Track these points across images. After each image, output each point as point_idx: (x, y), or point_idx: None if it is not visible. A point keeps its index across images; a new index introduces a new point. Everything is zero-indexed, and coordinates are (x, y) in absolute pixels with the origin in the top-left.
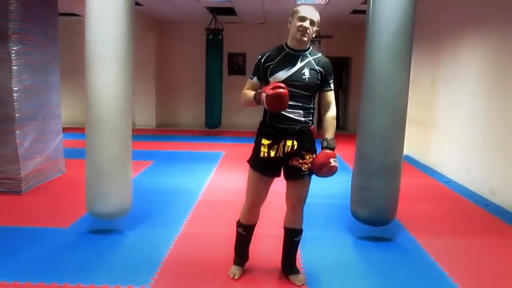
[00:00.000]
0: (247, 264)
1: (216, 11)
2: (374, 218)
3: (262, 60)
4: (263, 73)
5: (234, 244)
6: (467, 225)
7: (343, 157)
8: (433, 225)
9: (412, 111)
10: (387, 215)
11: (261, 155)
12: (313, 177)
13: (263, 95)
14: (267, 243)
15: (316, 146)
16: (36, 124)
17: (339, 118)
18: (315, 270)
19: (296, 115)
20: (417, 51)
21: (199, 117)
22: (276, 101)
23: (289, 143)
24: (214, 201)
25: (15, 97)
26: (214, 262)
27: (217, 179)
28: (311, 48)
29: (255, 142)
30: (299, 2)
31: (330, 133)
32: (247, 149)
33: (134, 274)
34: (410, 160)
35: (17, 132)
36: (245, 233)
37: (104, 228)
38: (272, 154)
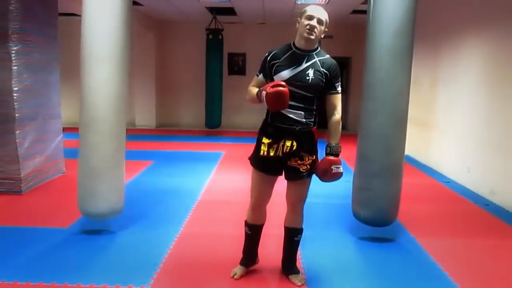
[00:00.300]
0: None
1: (216, 11)
2: (376, 219)
3: (268, 58)
4: (268, 71)
5: (243, 244)
6: (467, 225)
7: (343, 157)
8: (433, 225)
9: (412, 111)
10: (389, 216)
11: (261, 153)
12: (314, 177)
13: (264, 93)
14: (267, 243)
15: (319, 147)
16: (36, 124)
17: None
18: (315, 270)
19: (297, 115)
20: (417, 51)
21: (199, 117)
22: (275, 99)
23: (288, 143)
24: (214, 201)
25: (15, 97)
26: (214, 262)
27: (217, 179)
28: (319, 48)
29: (256, 140)
30: (299, 2)
31: (334, 139)
32: (247, 149)
33: (134, 274)
34: (410, 160)
35: (17, 132)
36: (250, 232)
37: (104, 228)
38: (272, 153)
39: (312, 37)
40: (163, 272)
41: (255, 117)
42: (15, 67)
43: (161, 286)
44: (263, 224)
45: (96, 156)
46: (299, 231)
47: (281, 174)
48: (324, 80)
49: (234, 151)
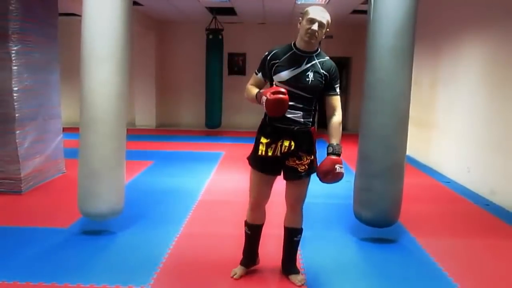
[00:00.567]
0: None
1: (216, 11)
2: (377, 220)
3: (269, 57)
4: (268, 71)
5: (243, 245)
6: (467, 225)
7: (343, 157)
8: (433, 225)
9: (412, 111)
10: (391, 217)
11: (259, 153)
12: (315, 177)
13: (263, 98)
14: (267, 243)
15: (317, 147)
16: (36, 124)
17: None
18: (315, 270)
19: (295, 116)
20: (417, 51)
21: (199, 117)
22: (275, 106)
23: (286, 143)
24: (214, 201)
25: (15, 97)
26: (214, 262)
27: (217, 179)
28: (319, 50)
29: (255, 140)
30: (299, 2)
31: (335, 139)
32: (247, 149)
33: (134, 274)
34: (410, 160)
35: (17, 132)
36: (250, 232)
37: (104, 228)
38: (270, 153)
39: (313, 41)
40: (163, 272)
41: (255, 117)
42: (15, 67)
43: (161, 286)
44: (262, 224)
45: (96, 157)
46: (298, 231)
47: (280, 174)
48: (323, 81)
49: (234, 151)
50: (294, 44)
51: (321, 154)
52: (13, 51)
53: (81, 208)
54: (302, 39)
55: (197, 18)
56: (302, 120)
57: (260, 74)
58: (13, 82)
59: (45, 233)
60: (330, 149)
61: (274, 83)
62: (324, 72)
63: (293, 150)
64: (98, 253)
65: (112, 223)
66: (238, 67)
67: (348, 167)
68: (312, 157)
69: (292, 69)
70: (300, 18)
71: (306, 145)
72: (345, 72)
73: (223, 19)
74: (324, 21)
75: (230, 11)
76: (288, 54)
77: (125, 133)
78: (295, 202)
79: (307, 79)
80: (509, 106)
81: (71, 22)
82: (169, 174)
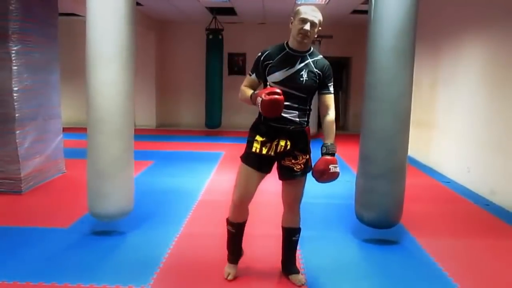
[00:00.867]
0: (248, 264)
1: (216, 11)
2: (380, 221)
3: (262, 58)
4: (261, 71)
5: (226, 242)
6: (467, 225)
7: (343, 158)
8: (433, 225)
9: (412, 111)
10: (393, 218)
11: (253, 150)
12: (311, 178)
13: (259, 99)
14: (266, 243)
15: (312, 147)
16: (36, 124)
17: (339, 118)
18: (315, 270)
19: (291, 115)
20: (417, 52)
21: (199, 117)
22: (270, 107)
23: (282, 142)
24: (214, 201)
25: (15, 97)
26: (214, 262)
27: (217, 179)
28: (312, 49)
29: (248, 138)
30: (299, 2)
31: (329, 139)
32: None
33: (134, 274)
34: (410, 160)
35: (17, 132)
36: (235, 231)
37: (104, 228)
38: (264, 151)
39: (306, 41)
40: (163, 272)
41: (255, 117)
42: (15, 67)
43: (161, 286)
44: (246, 221)
45: (104, 157)
46: (297, 231)
47: (269, 172)
48: (317, 80)
49: (234, 151)
50: (287, 44)
51: (316, 153)
52: (13, 51)
53: (91, 209)
54: (295, 39)
55: (197, 18)
56: (298, 119)
57: (254, 75)
58: (13, 82)
59: (45, 233)
60: (324, 149)
61: (268, 83)
62: (318, 71)
63: (289, 149)
64: (98, 253)
65: (112, 224)
66: (238, 67)
67: (349, 167)
68: (308, 156)
69: (286, 69)
70: (292, 18)
71: (301, 145)
72: (345, 72)
73: (223, 19)
74: (316, 21)
75: (230, 11)
76: (282, 54)
77: (132, 132)
78: (293, 202)
79: (301, 79)
80: (509, 106)
81: (71, 22)
82: (169, 174)
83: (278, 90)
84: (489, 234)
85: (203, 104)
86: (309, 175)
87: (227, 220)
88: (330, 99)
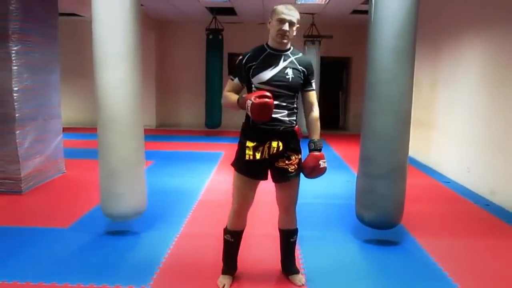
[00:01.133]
0: (247, 264)
1: (216, 11)
2: (380, 222)
3: (244, 61)
4: (245, 74)
5: (222, 253)
6: (467, 225)
7: (343, 157)
8: (433, 225)
9: (412, 111)
10: (394, 218)
11: (247, 158)
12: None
13: (248, 102)
14: (265, 243)
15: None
16: (36, 124)
17: (339, 118)
18: (315, 270)
19: (280, 115)
20: (417, 52)
21: (199, 117)
22: (261, 111)
23: (274, 144)
24: (214, 201)
25: (15, 97)
26: (214, 262)
27: (217, 179)
28: (292, 47)
29: (239, 144)
30: (299, 2)
31: (316, 135)
32: None
33: (134, 274)
34: (411, 160)
35: (17, 132)
36: (233, 240)
37: (104, 228)
38: (258, 156)
39: (285, 41)
40: (163, 272)
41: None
42: (15, 67)
43: (161, 286)
44: (244, 229)
45: (116, 157)
46: (294, 232)
47: (266, 178)
48: (302, 77)
49: (234, 151)
50: (267, 44)
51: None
52: (13, 51)
53: (105, 209)
54: (275, 40)
55: (197, 18)
56: (287, 119)
57: (236, 79)
58: (13, 82)
59: (45, 233)
60: (312, 146)
61: (253, 86)
62: (302, 68)
63: (281, 150)
64: (98, 253)
65: (112, 224)
66: None
67: (349, 167)
68: (300, 156)
69: (271, 68)
70: (270, 18)
71: (293, 145)
72: (345, 72)
73: (223, 19)
74: (294, 20)
75: (230, 11)
76: (264, 55)
77: (142, 132)
78: (289, 204)
79: (287, 77)
80: (509, 106)
81: (71, 22)
82: (169, 174)
83: (268, 94)
84: (489, 234)
85: (203, 104)
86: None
87: (225, 230)
88: (313, 96)
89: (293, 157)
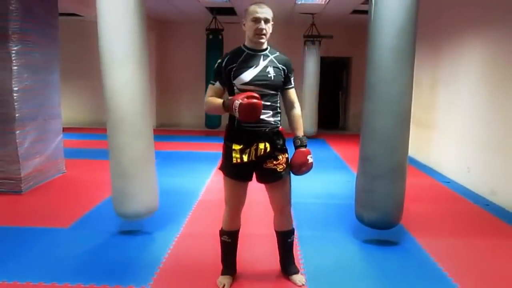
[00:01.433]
0: (247, 264)
1: (216, 11)
2: (380, 222)
3: (223, 64)
4: (225, 77)
5: (220, 255)
6: (467, 225)
7: (343, 157)
8: (433, 225)
9: (412, 111)
10: (393, 218)
11: (234, 161)
12: (315, 177)
13: (236, 102)
14: (265, 243)
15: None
16: (36, 124)
17: (339, 118)
18: (315, 270)
19: (266, 115)
20: (417, 52)
21: (199, 117)
22: (249, 111)
23: (261, 145)
24: (214, 201)
25: (15, 97)
26: (214, 262)
27: (217, 179)
28: (269, 47)
29: (224, 148)
30: (299, 2)
31: (300, 131)
32: None
33: (134, 274)
34: (411, 160)
35: (17, 132)
36: (230, 240)
37: (104, 228)
38: (245, 158)
39: (263, 40)
40: (163, 272)
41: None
42: (15, 67)
43: (161, 286)
44: (239, 229)
45: (127, 157)
46: (291, 232)
47: (251, 179)
48: (283, 75)
49: None
50: (245, 45)
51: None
52: (13, 51)
53: (117, 209)
54: (252, 40)
55: (197, 18)
56: (272, 119)
57: (217, 83)
58: (13, 82)
59: (45, 233)
60: (298, 142)
61: (235, 88)
62: (282, 66)
63: (269, 151)
64: (98, 253)
65: (112, 224)
66: None
67: (349, 167)
68: (287, 155)
69: (252, 68)
70: (243, 19)
71: (280, 144)
72: (345, 72)
73: (223, 19)
74: (269, 16)
75: (230, 11)
76: (243, 56)
77: (152, 131)
78: (284, 204)
79: (269, 75)
80: (509, 106)
81: (72, 22)
82: (169, 174)
83: (256, 95)
84: (489, 234)
85: (203, 104)
86: None
87: (221, 231)
88: (294, 93)
89: (281, 157)
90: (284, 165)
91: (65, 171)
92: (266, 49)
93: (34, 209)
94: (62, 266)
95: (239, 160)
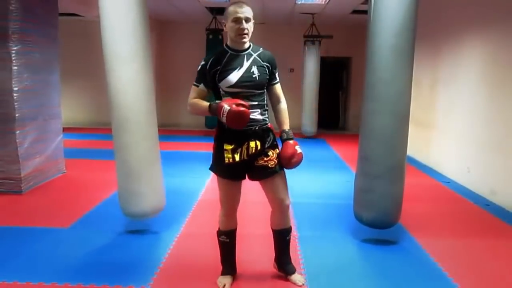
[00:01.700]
0: (246, 264)
1: (216, 11)
2: (378, 221)
3: (208, 66)
4: (210, 79)
5: (220, 255)
6: (467, 225)
7: (343, 157)
8: (433, 225)
9: (412, 111)
10: (392, 218)
11: (226, 161)
12: (314, 177)
13: (225, 108)
14: (265, 243)
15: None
16: (37, 124)
17: (339, 118)
18: (315, 270)
19: (254, 114)
20: (417, 52)
21: (199, 117)
22: (238, 118)
23: (252, 144)
24: (214, 201)
25: (15, 97)
26: (214, 262)
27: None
28: (251, 44)
29: (215, 148)
30: (299, 2)
31: (287, 125)
32: None
33: (134, 274)
34: (411, 160)
35: (17, 132)
36: (229, 240)
37: (104, 228)
38: (237, 158)
39: (246, 39)
40: (163, 272)
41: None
42: (15, 67)
43: (161, 286)
44: (236, 228)
45: (133, 156)
46: (289, 230)
47: (245, 178)
48: (267, 72)
49: None
50: (228, 46)
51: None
52: (13, 51)
53: (123, 208)
54: (235, 41)
55: (197, 18)
56: (261, 117)
57: (202, 85)
58: (13, 82)
59: (45, 233)
60: (285, 135)
61: (221, 90)
62: (266, 64)
63: (260, 149)
64: (98, 253)
65: (113, 224)
66: None
67: (349, 167)
68: (278, 150)
69: (237, 70)
70: (224, 21)
71: (270, 141)
72: (345, 72)
73: (223, 19)
74: (249, 15)
75: None
76: (226, 57)
77: (157, 130)
78: (281, 197)
79: (254, 75)
80: (509, 106)
81: (72, 22)
82: (169, 174)
83: (245, 103)
84: (489, 234)
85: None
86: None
87: (218, 232)
88: (279, 88)
89: (271, 153)
90: (275, 161)
91: (65, 171)
92: (249, 47)
93: (34, 209)
94: (62, 266)
95: (231, 160)
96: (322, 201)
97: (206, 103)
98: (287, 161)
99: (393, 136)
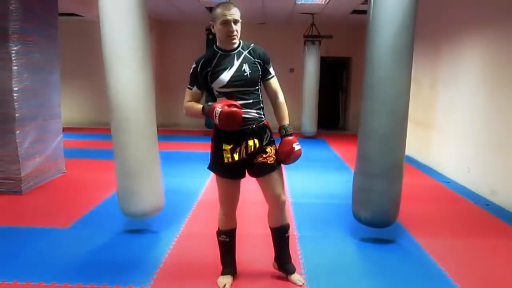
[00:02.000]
0: (246, 264)
1: None
2: (376, 220)
3: (199, 69)
4: (202, 81)
5: (220, 255)
6: (467, 225)
7: (343, 157)
8: (433, 225)
9: (412, 111)
10: (390, 217)
11: (226, 161)
12: (314, 177)
13: (217, 110)
14: (265, 243)
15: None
16: (36, 124)
17: (339, 118)
18: (315, 270)
19: (249, 113)
20: (417, 51)
21: None
22: (230, 119)
23: (250, 143)
24: (214, 201)
25: (15, 97)
26: (214, 262)
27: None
28: (241, 42)
29: (214, 148)
30: (299, 2)
31: (285, 120)
32: None
33: (134, 274)
34: (411, 160)
35: (17, 132)
36: (228, 239)
37: (104, 228)
38: (236, 157)
39: (235, 40)
40: (163, 272)
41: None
42: (15, 67)
43: (161, 286)
44: (236, 227)
45: (132, 156)
46: (287, 227)
47: (244, 176)
48: (260, 68)
49: None
50: (217, 47)
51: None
52: (13, 51)
53: (123, 208)
54: (224, 42)
55: (197, 18)
56: (256, 115)
57: (195, 88)
58: (13, 82)
59: (45, 233)
60: (283, 132)
61: (214, 91)
62: (257, 60)
63: (258, 147)
64: (98, 253)
65: (113, 224)
66: None
67: (349, 167)
68: (275, 146)
69: (227, 70)
70: (212, 22)
71: (267, 138)
72: (345, 72)
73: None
74: (237, 17)
75: None
76: (217, 58)
77: (156, 130)
78: (278, 193)
79: (245, 74)
80: (509, 106)
81: (72, 22)
82: (169, 174)
83: (237, 104)
84: (489, 234)
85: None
86: None
87: (218, 231)
88: (275, 83)
89: (269, 149)
90: (274, 157)
91: (65, 171)
92: (239, 46)
93: (34, 209)
94: (62, 266)
95: (230, 160)
96: (322, 201)
97: (200, 106)
98: (284, 158)
99: (392, 135)
